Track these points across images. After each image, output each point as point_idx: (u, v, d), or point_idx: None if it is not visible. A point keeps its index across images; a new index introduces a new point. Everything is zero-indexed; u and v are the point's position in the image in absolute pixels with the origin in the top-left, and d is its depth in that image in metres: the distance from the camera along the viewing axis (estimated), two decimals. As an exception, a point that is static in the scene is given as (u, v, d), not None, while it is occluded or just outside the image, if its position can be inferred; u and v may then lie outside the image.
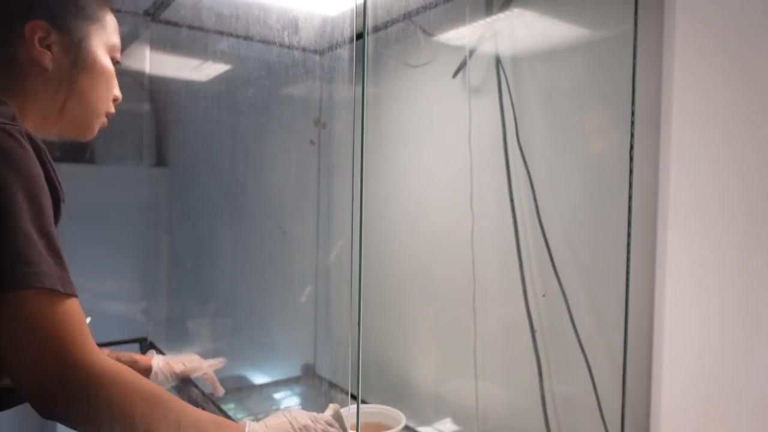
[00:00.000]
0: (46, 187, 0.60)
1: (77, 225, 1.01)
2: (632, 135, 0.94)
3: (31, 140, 0.61)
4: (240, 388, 1.52)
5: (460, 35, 1.27)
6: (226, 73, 1.52)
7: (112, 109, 0.80)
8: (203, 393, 1.21)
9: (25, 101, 0.71)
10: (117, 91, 0.80)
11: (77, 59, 0.73)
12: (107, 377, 0.57)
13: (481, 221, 1.21)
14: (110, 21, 0.78)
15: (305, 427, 0.76)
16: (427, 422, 1.30)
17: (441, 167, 1.34)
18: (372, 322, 1.49)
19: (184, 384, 1.17)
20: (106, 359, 0.58)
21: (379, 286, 1.50)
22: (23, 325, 0.54)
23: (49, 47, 0.71)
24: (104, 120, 0.79)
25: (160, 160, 1.72)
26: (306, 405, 1.52)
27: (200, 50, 1.46)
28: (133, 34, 1.49)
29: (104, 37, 0.76)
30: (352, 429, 0.83)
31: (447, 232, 1.31)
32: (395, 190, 1.48)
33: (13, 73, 0.71)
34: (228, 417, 1.22)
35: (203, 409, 1.23)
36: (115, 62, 0.78)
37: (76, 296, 0.58)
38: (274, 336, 1.68)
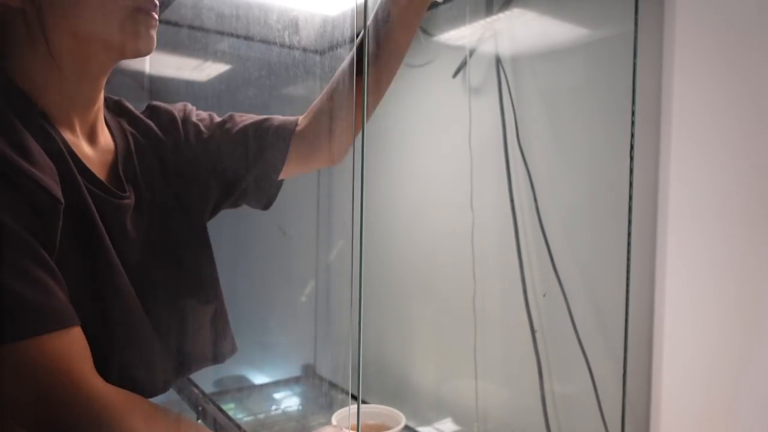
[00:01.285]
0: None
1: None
2: (632, 135, 0.94)
3: None
4: (240, 388, 1.52)
5: (460, 35, 1.27)
6: (226, 73, 1.51)
7: (140, 2, 0.61)
8: (203, 393, 1.21)
9: (23, 54, 0.59)
10: None
11: None
12: None
13: (481, 221, 1.21)
14: None
15: None
16: (427, 422, 1.30)
17: (441, 167, 1.34)
18: (372, 322, 1.49)
19: (184, 384, 1.17)
20: None
21: (379, 286, 1.50)
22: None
23: None
24: (145, 17, 0.62)
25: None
26: (306, 405, 1.52)
27: (200, 50, 1.46)
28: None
29: None
30: (352, 429, 0.83)
31: (447, 232, 1.31)
32: (395, 190, 1.48)
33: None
34: (228, 417, 1.22)
35: (203, 409, 1.24)
36: None
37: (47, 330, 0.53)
38: (274, 336, 1.68)
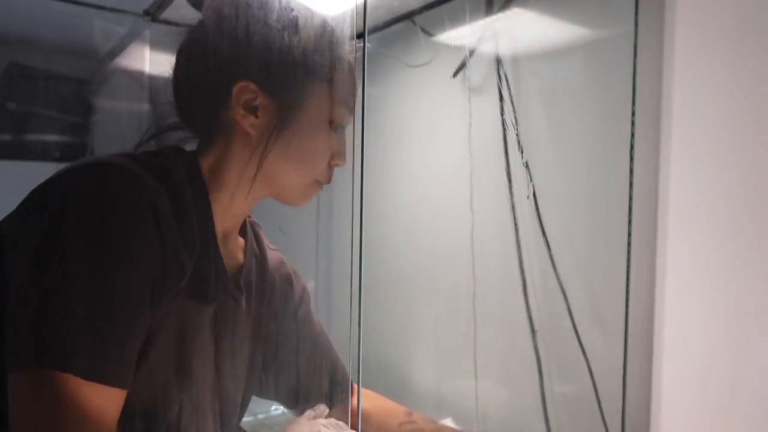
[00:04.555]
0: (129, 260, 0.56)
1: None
2: (632, 135, 0.94)
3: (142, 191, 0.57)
4: (240, 388, 1.52)
5: (460, 35, 1.27)
6: (226, 73, 1.51)
7: (327, 178, 0.72)
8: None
9: (228, 161, 0.67)
10: (339, 159, 0.72)
11: (276, 127, 0.66)
12: None
13: (481, 221, 1.21)
14: (345, 79, 0.70)
15: None
16: (427, 422, 1.30)
17: (441, 167, 1.34)
18: (372, 321, 1.49)
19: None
20: None
21: (379, 286, 1.49)
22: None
23: (254, 110, 0.65)
24: (317, 189, 0.72)
25: (160, 160, 1.71)
26: (306, 405, 1.52)
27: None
28: (133, 34, 1.49)
29: (332, 99, 0.68)
30: (352, 429, 0.83)
31: (447, 232, 1.31)
32: (395, 190, 1.47)
33: (217, 130, 0.68)
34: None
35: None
36: (337, 125, 0.71)
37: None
38: (274, 336, 1.68)
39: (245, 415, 1.38)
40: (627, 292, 0.94)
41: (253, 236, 0.83)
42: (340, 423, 0.78)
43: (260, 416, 1.40)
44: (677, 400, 0.91)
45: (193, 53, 0.70)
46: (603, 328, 1.00)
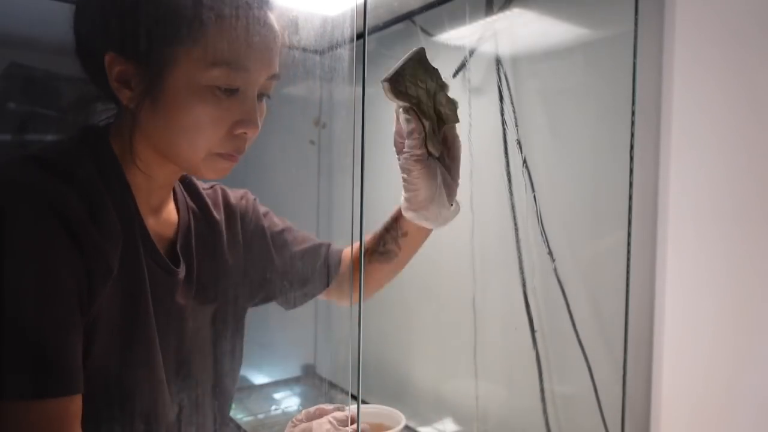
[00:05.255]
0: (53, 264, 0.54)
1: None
2: (632, 135, 0.94)
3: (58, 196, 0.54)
4: (240, 388, 1.52)
5: (460, 35, 1.27)
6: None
7: (233, 149, 0.65)
8: (203, 393, 1.21)
9: (127, 139, 0.64)
10: (244, 126, 0.64)
11: (145, 97, 0.61)
12: None
13: (481, 221, 1.21)
14: (223, 36, 0.62)
15: None
16: (427, 422, 1.30)
17: (441, 167, 1.34)
18: (372, 322, 1.49)
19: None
20: None
21: (379, 286, 1.49)
22: None
23: (128, 83, 0.61)
24: (223, 162, 0.66)
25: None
26: (306, 405, 1.52)
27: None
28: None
29: (204, 61, 0.60)
30: (352, 428, 0.83)
31: (447, 232, 1.31)
32: (395, 190, 1.47)
33: (116, 108, 0.66)
34: (228, 417, 1.22)
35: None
36: (233, 89, 0.63)
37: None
38: (274, 336, 1.68)
39: (245, 415, 1.38)
40: (627, 292, 0.94)
41: (183, 190, 0.78)
42: (339, 426, 0.78)
43: (260, 416, 1.40)
44: (677, 400, 0.91)
45: (75, 25, 0.65)
46: (603, 328, 1.00)
